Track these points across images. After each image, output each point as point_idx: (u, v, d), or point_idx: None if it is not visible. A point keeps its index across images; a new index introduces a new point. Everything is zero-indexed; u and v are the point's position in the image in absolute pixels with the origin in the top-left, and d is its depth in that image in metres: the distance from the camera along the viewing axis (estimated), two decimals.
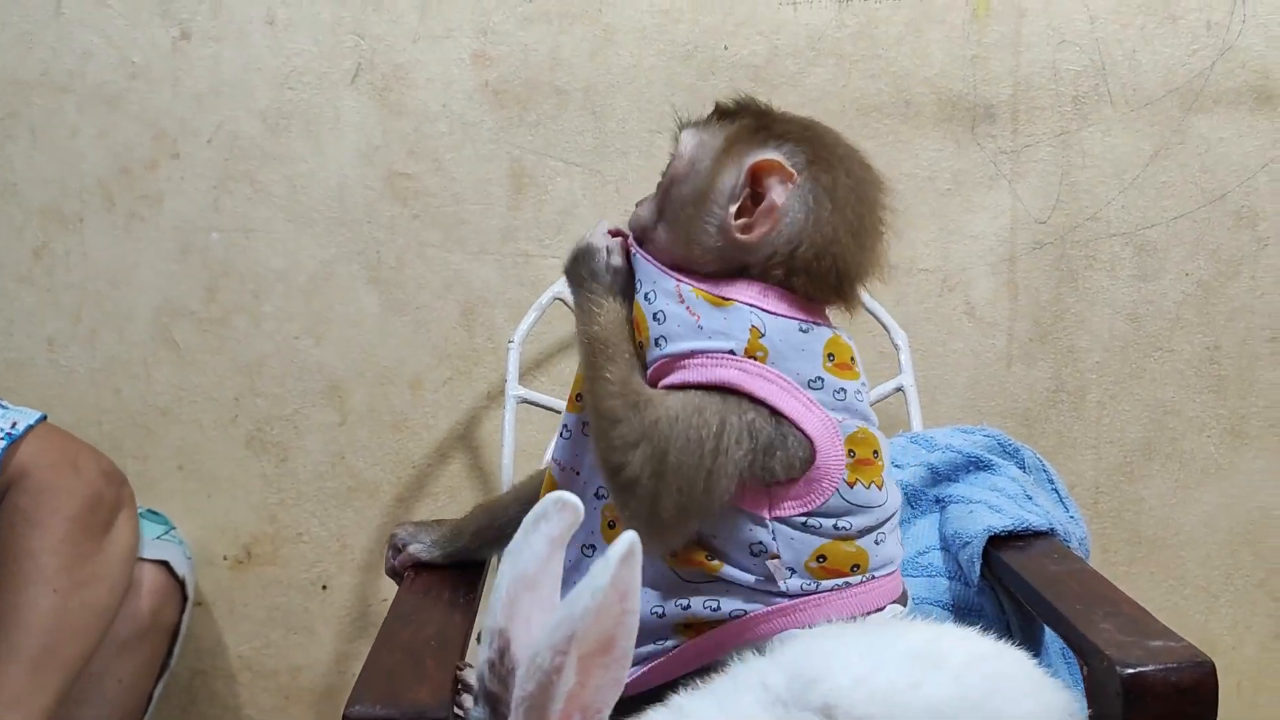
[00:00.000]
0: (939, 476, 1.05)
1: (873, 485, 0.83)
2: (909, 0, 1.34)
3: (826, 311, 0.88)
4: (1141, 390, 1.37)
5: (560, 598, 0.67)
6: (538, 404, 1.28)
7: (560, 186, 1.39)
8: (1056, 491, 1.11)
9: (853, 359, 0.87)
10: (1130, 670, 0.70)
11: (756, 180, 0.83)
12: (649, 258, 0.87)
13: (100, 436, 1.41)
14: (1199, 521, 1.38)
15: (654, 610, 0.82)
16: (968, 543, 0.96)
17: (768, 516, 0.81)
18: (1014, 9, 1.33)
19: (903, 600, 0.86)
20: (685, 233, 0.86)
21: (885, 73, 1.35)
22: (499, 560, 0.82)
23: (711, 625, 0.82)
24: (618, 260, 0.87)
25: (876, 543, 0.84)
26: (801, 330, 0.84)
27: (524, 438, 1.31)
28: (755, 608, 0.81)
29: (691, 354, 0.82)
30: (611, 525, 0.86)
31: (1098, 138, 1.34)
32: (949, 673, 0.67)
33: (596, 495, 0.87)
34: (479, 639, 0.67)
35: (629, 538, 0.61)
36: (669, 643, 0.82)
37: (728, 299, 0.83)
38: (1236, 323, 1.36)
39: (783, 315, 0.84)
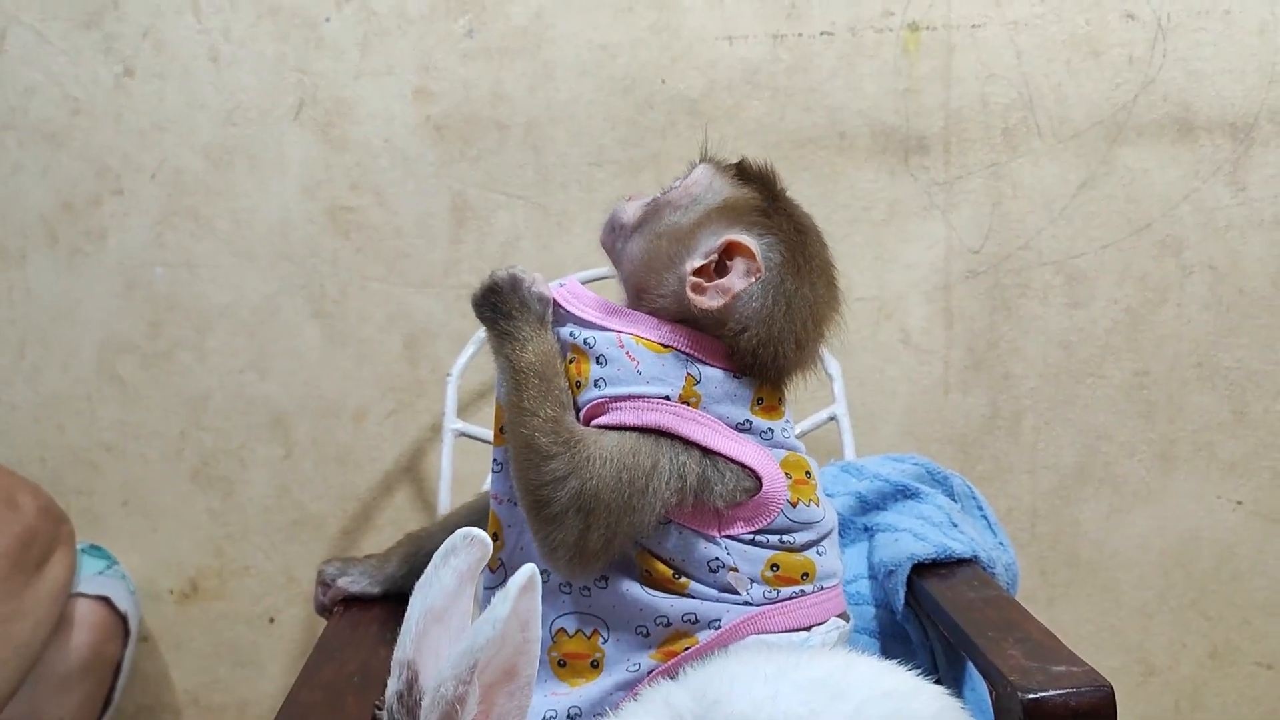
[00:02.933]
0: (867, 505, 1.07)
1: (811, 503, 0.88)
2: (841, 35, 1.37)
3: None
4: (1075, 415, 1.40)
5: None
6: (476, 437, 1.29)
7: (502, 219, 1.41)
8: (986, 518, 1.12)
9: (780, 400, 0.91)
10: (1031, 695, 0.72)
11: (728, 254, 0.87)
12: (588, 309, 0.89)
13: (43, 473, 1.41)
14: (1133, 544, 1.40)
15: (638, 629, 0.84)
16: (892, 571, 0.97)
17: (718, 535, 0.85)
18: (943, 44, 1.36)
19: (845, 616, 0.90)
20: (650, 258, 0.90)
21: (820, 106, 1.38)
22: None
23: (688, 640, 0.83)
24: (546, 291, 0.89)
25: (819, 554, 0.88)
26: (733, 378, 0.88)
27: (465, 469, 1.31)
28: (729, 617, 0.84)
29: (629, 397, 0.85)
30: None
31: (1027, 169, 1.37)
32: (849, 705, 0.68)
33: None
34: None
35: (528, 570, 0.63)
36: (644, 667, 0.84)
37: (667, 346, 0.87)
38: (1164, 349, 1.38)
39: (717, 365, 0.87)
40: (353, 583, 1.00)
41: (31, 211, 1.40)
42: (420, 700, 0.66)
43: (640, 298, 0.91)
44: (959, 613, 0.86)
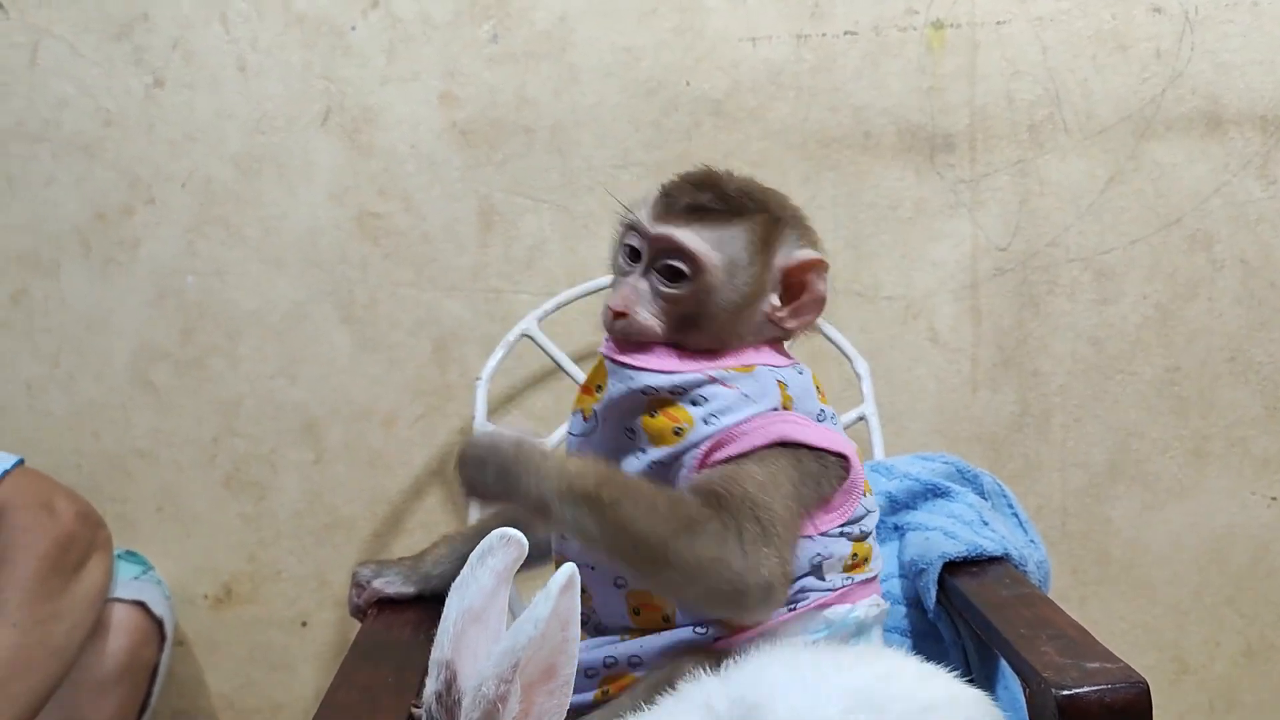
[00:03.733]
0: (898, 504, 1.07)
1: (871, 492, 0.93)
2: (865, 34, 1.37)
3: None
4: (1105, 412, 1.39)
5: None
6: None
7: (528, 223, 1.41)
8: (1016, 516, 1.12)
9: (818, 383, 0.95)
10: (1065, 692, 0.71)
11: (792, 278, 0.90)
12: (657, 359, 0.88)
13: (79, 479, 1.43)
14: (1166, 541, 1.40)
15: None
16: (923, 569, 0.97)
17: (815, 534, 0.87)
18: (968, 41, 1.36)
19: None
20: (724, 329, 0.89)
21: (845, 105, 1.38)
22: None
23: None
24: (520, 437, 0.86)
25: (873, 540, 0.92)
26: (799, 373, 0.92)
27: None
28: (804, 600, 0.86)
29: (746, 420, 0.86)
30: (637, 611, 0.88)
31: (1054, 165, 1.37)
32: (888, 717, 0.68)
33: (615, 584, 0.88)
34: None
35: (568, 569, 0.64)
36: (710, 634, 0.85)
37: (749, 365, 0.89)
38: (1196, 344, 1.37)
39: (784, 365, 0.91)
40: (388, 584, 1.01)
41: (65, 222, 1.42)
42: (459, 700, 0.66)
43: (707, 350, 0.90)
44: (991, 610, 0.86)
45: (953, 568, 0.97)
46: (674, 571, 0.81)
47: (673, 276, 0.88)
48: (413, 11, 1.39)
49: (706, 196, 0.90)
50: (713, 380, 0.87)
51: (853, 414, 1.29)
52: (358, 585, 1.02)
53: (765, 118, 1.39)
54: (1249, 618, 1.39)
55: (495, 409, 1.39)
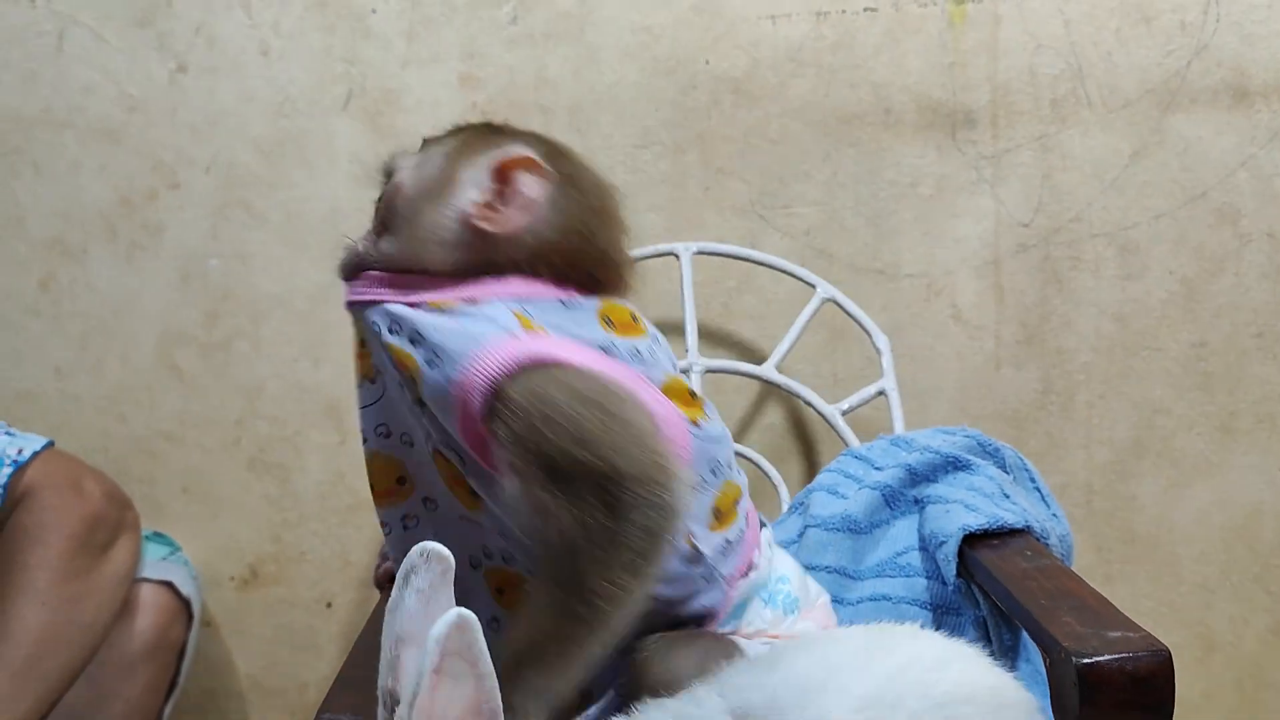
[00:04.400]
0: (917, 477, 1.06)
1: (708, 420, 0.80)
2: (885, 11, 1.36)
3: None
4: (1130, 389, 1.38)
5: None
6: None
7: None
8: (1038, 490, 1.11)
9: (634, 317, 0.81)
10: (1086, 660, 0.71)
11: (504, 175, 0.79)
12: (375, 291, 0.78)
13: (107, 462, 1.45)
14: (1193, 518, 1.38)
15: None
16: (943, 542, 0.97)
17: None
18: (990, 16, 1.35)
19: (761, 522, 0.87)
20: (418, 234, 0.79)
21: (865, 82, 1.37)
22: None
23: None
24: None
25: (734, 472, 0.83)
26: (563, 304, 0.78)
27: None
28: (713, 599, 0.80)
29: (475, 354, 0.72)
30: (500, 590, 0.80)
31: (1077, 140, 1.35)
32: (903, 714, 0.66)
33: (471, 564, 0.80)
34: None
35: (451, 616, 0.60)
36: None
37: (475, 299, 0.76)
38: (1222, 319, 1.36)
39: (536, 297, 0.77)
40: None
41: (91, 208, 1.44)
42: None
43: (424, 274, 0.78)
44: (1012, 582, 0.86)
45: (973, 540, 0.96)
46: (639, 582, 0.71)
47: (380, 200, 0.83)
48: None
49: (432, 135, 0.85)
50: (428, 308, 0.75)
51: (872, 389, 1.29)
52: (382, 555, 1.03)
53: (785, 95, 1.38)
54: (1277, 595, 1.38)
55: None
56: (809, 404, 1.31)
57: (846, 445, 1.26)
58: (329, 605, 1.48)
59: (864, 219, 1.38)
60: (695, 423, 0.78)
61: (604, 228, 0.83)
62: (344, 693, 0.77)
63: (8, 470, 1.17)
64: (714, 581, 0.79)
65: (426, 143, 0.87)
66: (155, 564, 1.36)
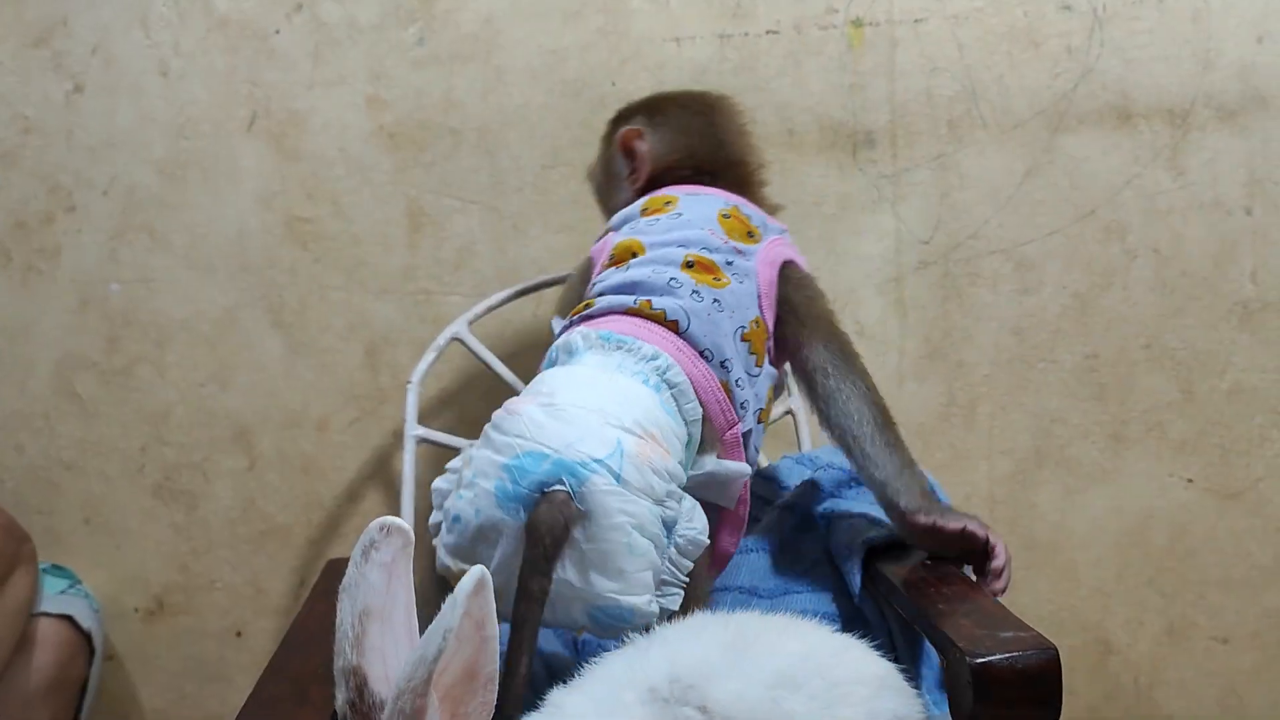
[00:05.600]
0: (823, 494, 1.09)
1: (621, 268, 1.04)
2: (787, 33, 1.39)
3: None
4: (1029, 400, 1.42)
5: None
6: (437, 443, 1.30)
7: (458, 224, 1.42)
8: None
9: (667, 202, 1.09)
10: (979, 660, 0.73)
11: (625, 149, 1.17)
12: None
13: (3, 493, 1.41)
14: (1089, 525, 1.43)
15: None
16: (848, 555, 0.99)
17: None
18: (887, 39, 1.39)
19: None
20: (602, 194, 1.24)
21: (768, 103, 1.40)
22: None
23: None
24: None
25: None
26: (628, 204, 1.12)
27: (428, 474, 1.32)
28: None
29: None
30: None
31: (973, 159, 1.40)
32: (804, 694, 0.73)
33: None
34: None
35: (476, 573, 0.63)
36: None
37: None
38: (1113, 332, 1.41)
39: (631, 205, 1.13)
40: None
41: None
42: (375, 705, 0.65)
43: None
44: (911, 589, 0.88)
45: (876, 553, 0.99)
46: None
47: None
48: (337, 15, 1.39)
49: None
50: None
51: (779, 409, 1.31)
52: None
53: None
54: (1169, 597, 1.43)
55: (428, 412, 1.39)
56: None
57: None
58: (239, 634, 1.45)
59: None
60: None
61: (708, 136, 1.18)
62: (255, 714, 0.76)
63: None
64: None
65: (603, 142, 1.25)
66: (54, 598, 1.33)
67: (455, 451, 1.29)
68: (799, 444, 1.29)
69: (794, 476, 1.12)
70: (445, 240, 1.42)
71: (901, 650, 0.98)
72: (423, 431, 1.29)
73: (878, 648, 0.80)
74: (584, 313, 0.99)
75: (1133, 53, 1.38)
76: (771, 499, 1.11)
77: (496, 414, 0.88)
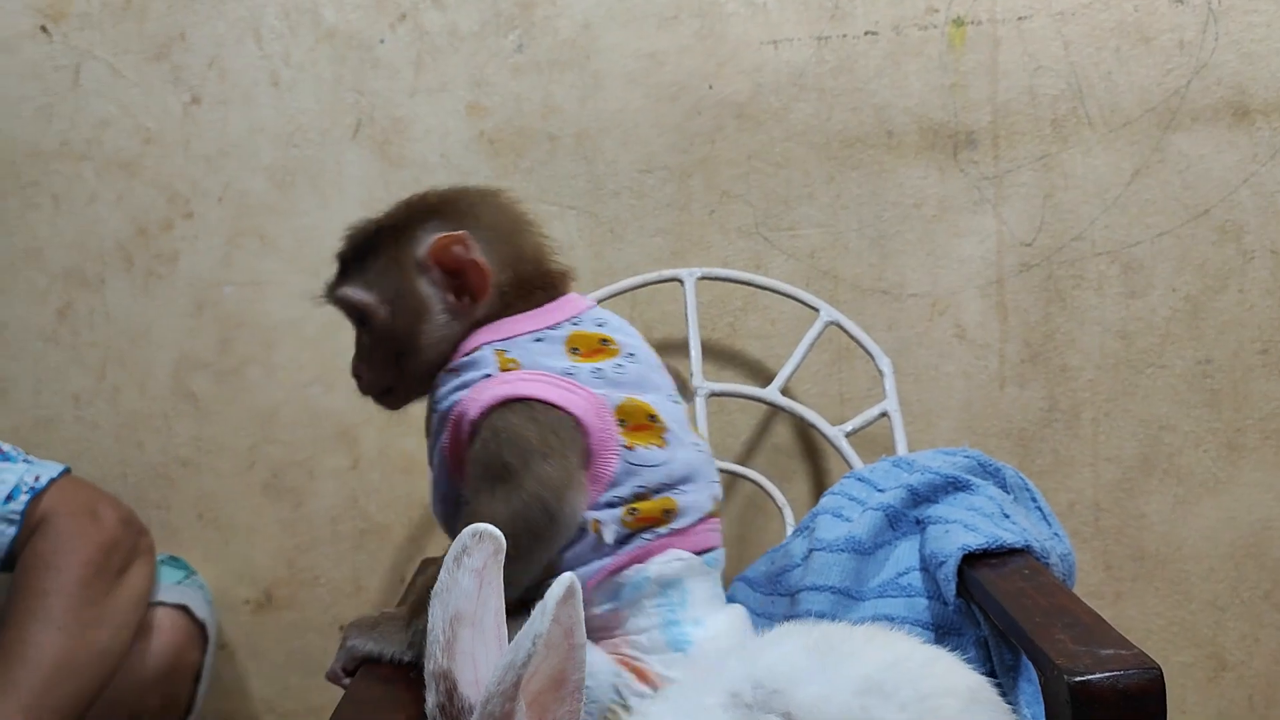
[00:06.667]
0: (919, 498, 1.07)
1: (652, 446, 0.91)
2: (886, 35, 1.37)
3: (552, 296, 0.98)
4: (1136, 407, 1.38)
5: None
6: None
7: (556, 229, 1.43)
8: (1040, 509, 1.11)
9: (604, 341, 0.94)
10: (1078, 678, 0.71)
11: (443, 263, 0.94)
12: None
13: (125, 488, 1.47)
14: (1201, 535, 1.38)
15: None
16: (943, 562, 0.97)
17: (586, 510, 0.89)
18: (989, 38, 1.36)
19: (706, 550, 0.94)
20: (430, 346, 0.96)
21: (867, 105, 1.38)
22: None
23: None
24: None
25: (679, 493, 0.91)
26: (536, 340, 0.93)
27: None
28: (601, 564, 0.88)
29: (463, 394, 0.91)
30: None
31: (1078, 159, 1.36)
32: (893, 703, 0.71)
33: None
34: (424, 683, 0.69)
35: (566, 580, 0.63)
36: None
37: (470, 350, 0.94)
38: (1227, 336, 1.36)
39: (515, 335, 0.94)
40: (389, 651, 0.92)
41: (108, 238, 1.46)
42: (464, 709, 0.66)
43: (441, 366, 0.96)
44: (1008, 600, 0.86)
45: (973, 560, 0.97)
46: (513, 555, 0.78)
47: (360, 327, 0.99)
48: (439, 24, 1.42)
49: (344, 246, 1.00)
50: (445, 371, 0.94)
51: (875, 410, 1.29)
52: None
53: (788, 119, 1.40)
54: None
55: None
56: (813, 426, 1.32)
57: (850, 466, 1.27)
58: (341, 629, 1.48)
59: (868, 240, 1.40)
60: (630, 446, 0.90)
61: (526, 233, 0.99)
62: (349, 714, 0.78)
63: (25, 497, 1.20)
64: (601, 551, 0.89)
65: (344, 262, 1.01)
66: (171, 588, 1.38)
67: None
68: (895, 447, 1.28)
69: (890, 480, 1.11)
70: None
71: (998, 662, 0.95)
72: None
73: (971, 660, 0.79)
74: (673, 526, 0.91)
75: (1250, 46, 1.33)
76: (866, 501, 1.10)
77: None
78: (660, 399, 0.94)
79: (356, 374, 1.01)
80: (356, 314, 0.98)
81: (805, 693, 0.71)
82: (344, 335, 1.45)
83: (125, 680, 1.29)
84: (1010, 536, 0.97)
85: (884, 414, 1.28)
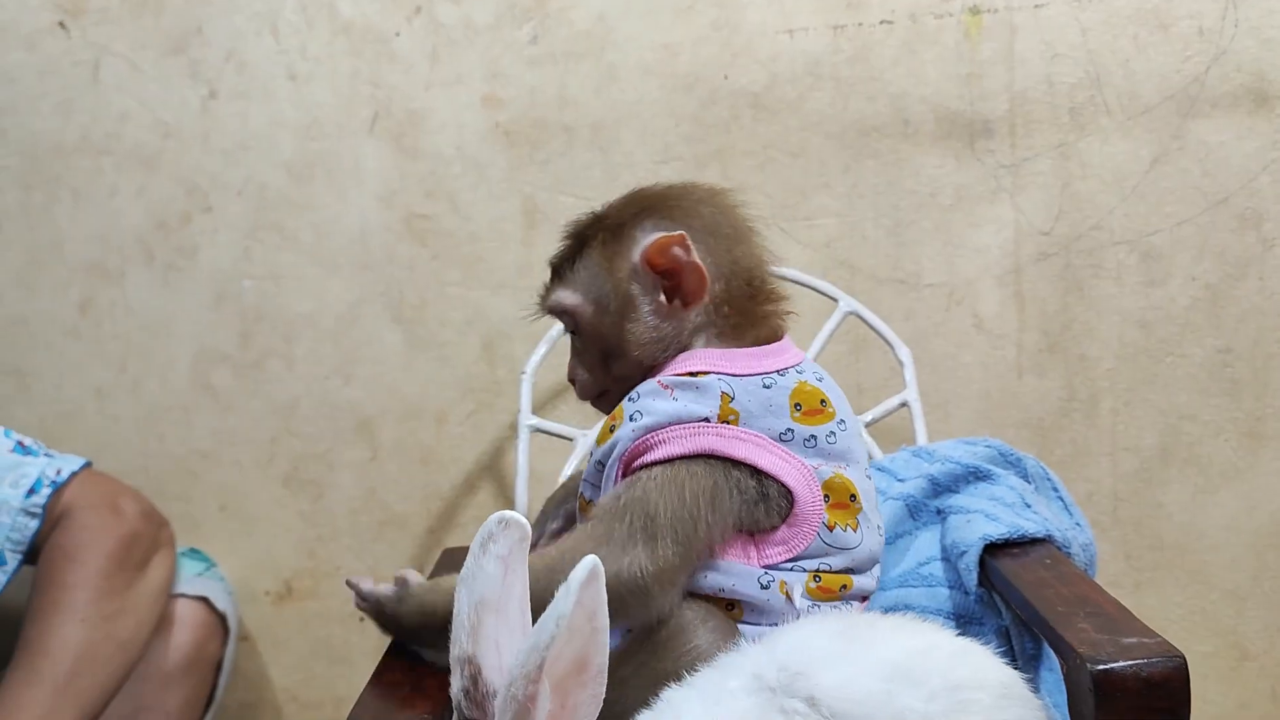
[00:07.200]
0: (939, 488, 1.07)
1: (848, 528, 0.87)
2: (902, 23, 1.37)
3: (774, 331, 0.92)
4: (1155, 396, 1.37)
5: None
6: (551, 432, 1.32)
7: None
8: (1061, 499, 1.11)
9: (823, 401, 0.89)
10: (1101, 667, 0.71)
11: (655, 265, 0.88)
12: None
13: (147, 481, 1.48)
14: (1222, 525, 1.37)
15: None
16: (964, 551, 0.97)
17: (757, 564, 0.85)
18: (1005, 26, 1.35)
19: None
20: (637, 348, 0.90)
21: (883, 94, 1.38)
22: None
23: None
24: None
25: (854, 574, 0.89)
26: (765, 386, 0.87)
27: (541, 465, 1.35)
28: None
29: (669, 425, 0.85)
30: None
31: (1096, 147, 1.36)
32: (922, 691, 0.70)
33: None
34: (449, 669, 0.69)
35: (589, 562, 0.64)
36: None
37: (697, 372, 0.87)
38: (1247, 324, 1.35)
39: (746, 375, 0.87)
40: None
41: (128, 232, 1.47)
42: (489, 694, 0.67)
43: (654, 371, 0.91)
44: (1030, 589, 0.86)
45: (994, 550, 0.96)
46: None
47: (574, 332, 0.94)
48: (454, 16, 1.42)
49: (557, 249, 0.96)
50: (661, 385, 0.87)
51: (894, 400, 1.29)
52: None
53: (804, 109, 1.39)
54: None
55: (542, 402, 1.42)
56: None
57: (870, 457, 1.26)
58: (362, 619, 1.50)
59: (884, 230, 1.39)
60: (830, 527, 0.86)
61: (748, 242, 0.93)
62: (369, 704, 0.79)
63: (47, 491, 1.21)
64: (785, 615, 0.85)
65: (556, 267, 0.96)
66: (191, 580, 1.39)
67: (568, 440, 1.32)
68: (914, 437, 1.27)
69: (910, 469, 1.11)
70: (559, 236, 1.43)
71: (1020, 654, 0.95)
72: (536, 421, 1.32)
73: (996, 650, 0.78)
74: (848, 599, 0.89)
75: (1269, 32, 1.32)
76: (886, 491, 1.10)
77: None
78: (859, 475, 0.90)
79: (571, 378, 0.96)
80: (567, 319, 0.94)
81: (829, 677, 0.70)
82: (361, 329, 1.47)
83: (147, 671, 1.30)
84: (1032, 526, 0.97)
85: (904, 404, 1.28)
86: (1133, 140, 1.35)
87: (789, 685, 0.71)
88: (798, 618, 0.85)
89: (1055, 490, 1.12)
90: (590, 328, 0.92)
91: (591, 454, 0.92)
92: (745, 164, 1.40)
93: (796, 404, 0.87)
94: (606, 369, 0.93)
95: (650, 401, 0.86)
